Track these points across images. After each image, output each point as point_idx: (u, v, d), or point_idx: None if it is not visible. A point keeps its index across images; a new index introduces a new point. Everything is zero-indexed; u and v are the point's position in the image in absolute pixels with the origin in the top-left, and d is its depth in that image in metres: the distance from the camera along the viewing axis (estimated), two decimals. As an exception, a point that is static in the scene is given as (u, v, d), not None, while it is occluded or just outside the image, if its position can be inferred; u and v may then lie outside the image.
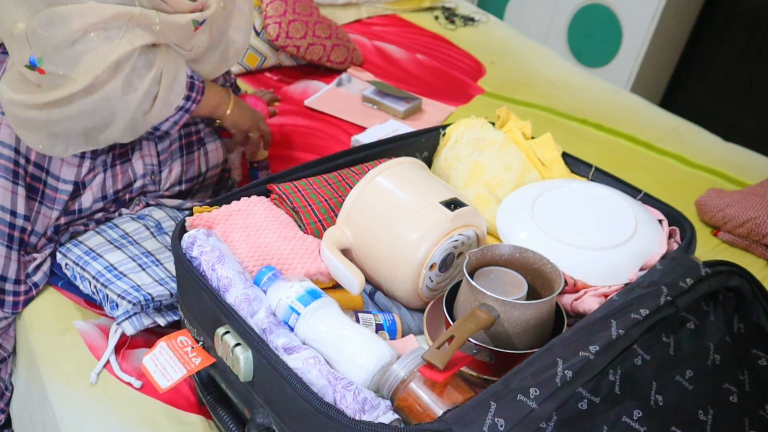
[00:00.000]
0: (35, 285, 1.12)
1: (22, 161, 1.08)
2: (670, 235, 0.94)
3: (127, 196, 1.19)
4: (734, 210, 1.42)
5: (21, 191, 1.08)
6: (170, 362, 0.78)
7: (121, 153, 1.16)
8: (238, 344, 0.75)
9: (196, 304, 0.85)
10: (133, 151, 1.17)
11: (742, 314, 0.83)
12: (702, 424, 0.73)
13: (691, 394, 0.74)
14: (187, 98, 1.11)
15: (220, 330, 0.77)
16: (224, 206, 0.94)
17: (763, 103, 2.67)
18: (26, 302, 1.11)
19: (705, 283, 0.80)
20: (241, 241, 0.89)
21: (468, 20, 2.42)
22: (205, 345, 0.85)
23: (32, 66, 0.95)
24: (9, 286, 1.08)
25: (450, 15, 2.43)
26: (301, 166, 1.04)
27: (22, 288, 1.10)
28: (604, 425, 0.67)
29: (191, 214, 0.91)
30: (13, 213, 1.07)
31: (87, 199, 1.14)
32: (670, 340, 0.76)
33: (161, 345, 0.79)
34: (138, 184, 1.19)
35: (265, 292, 0.81)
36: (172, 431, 0.93)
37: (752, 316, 0.84)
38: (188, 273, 0.83)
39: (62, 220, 1.13)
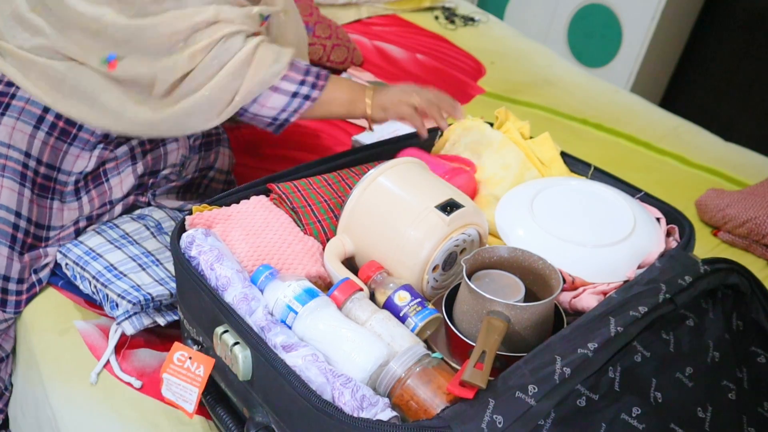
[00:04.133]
0: (39, 281, 1.13)
1: (32, 164, 1.10)
2: (669, 233, 0.94)
3: (151, 181, 1.21)
4: (734, 210, 1.42)
5: (27, 193, 1.09)
6: (180, 387, 0.80)
7: (151, 141, 1.19)
8: (236, 343, 0.75)
9: (195, 303, 0.85)
10: (166, 142, 1.20)
11: (741, 312, 0.83)
12: (701, 422, 0.73)
13: (690, 392, 0.74)
14: (302, 83, 1.07)
15: (219, 329, 0.77)
16: (224, 207, 0.94)
17: (763, 103, 2.67)
18: (28, 300, 1.12)
19: (704, 281, 0.80)
20: (241, 241, 0.89)
21: (468, 20, 2.42)
22: (204, 345, 0.85)
23: (107, 61, 1.00)
24: (12, 286, 1.09)
25: (450, 15, 2.43)
26: (301, 166, 1.04)
27: (25, 287, 1.11)
28: (602, 422, 0.67)
29: (191, 214, 0.91)
30: (18, 214, 1.09)
31: (117, 191, 1.17)
32: (669, 337, 0.76)
33: (165, 377, 0.81)
34: (165, 172, 1.22)
35: (261, 291, 0.81)
36: (172, 431, 0.93)
37: (751, 313, 0.84)
38: (187, 272, 0.83)
39: (95, 213, 1.16)
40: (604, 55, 2.82)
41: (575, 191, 1.00)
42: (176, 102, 1.04)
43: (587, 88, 2.07)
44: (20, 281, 1.10)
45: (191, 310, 0.87)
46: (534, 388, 0.64)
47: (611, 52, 2.79)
